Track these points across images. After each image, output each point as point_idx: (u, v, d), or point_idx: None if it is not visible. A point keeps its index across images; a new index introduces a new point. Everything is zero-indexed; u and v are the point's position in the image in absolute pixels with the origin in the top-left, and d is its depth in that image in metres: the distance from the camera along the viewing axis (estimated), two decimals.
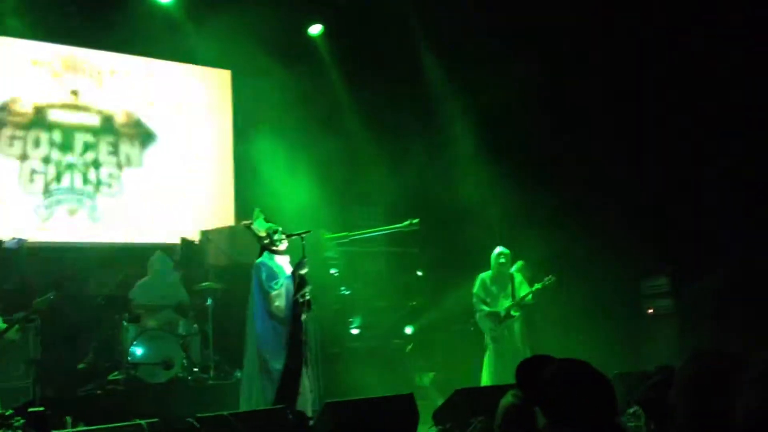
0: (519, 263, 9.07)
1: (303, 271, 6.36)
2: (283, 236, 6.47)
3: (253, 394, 6.25)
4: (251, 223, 6.61)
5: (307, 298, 6.34)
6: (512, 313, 8.04)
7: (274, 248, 6.47)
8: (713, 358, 2.31)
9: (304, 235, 6.52)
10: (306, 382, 6.23)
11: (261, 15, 9.40)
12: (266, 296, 6.28)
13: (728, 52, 7.74)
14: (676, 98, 8.30)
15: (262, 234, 6.51)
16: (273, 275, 6.32)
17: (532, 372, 2.50)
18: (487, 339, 8.10)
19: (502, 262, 8.12)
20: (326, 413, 5.51)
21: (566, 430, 2.27)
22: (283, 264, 6.46)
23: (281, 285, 6.31)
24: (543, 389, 2.37)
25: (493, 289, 8.16)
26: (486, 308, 8.07)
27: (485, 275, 8.20)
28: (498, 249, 8.18)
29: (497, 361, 7.92)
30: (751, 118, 7.73)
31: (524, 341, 8.08)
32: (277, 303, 6.28)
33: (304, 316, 6.31)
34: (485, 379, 7.96)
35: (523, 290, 8.12)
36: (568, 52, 9.00)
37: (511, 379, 7.15)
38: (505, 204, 9.15)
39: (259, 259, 6.47)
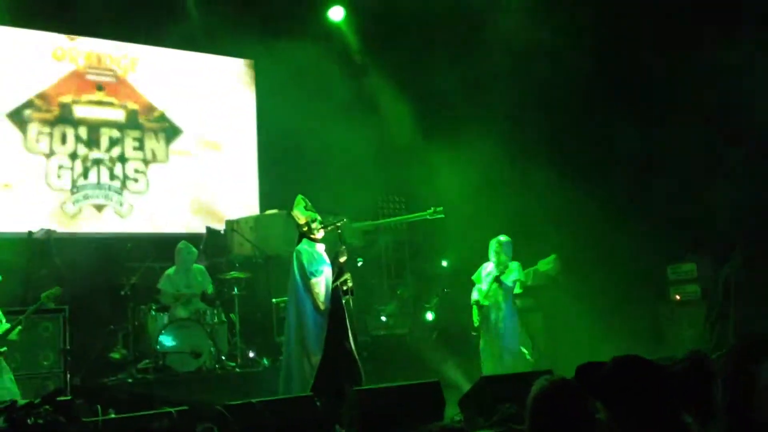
0: (552, 256, 9.01)
1: (342, 260, 6.42)
2: (321, 225, 6.52)
3: (292, 381, 6.32)
4: (292, 210, 6.68)
5: (350, 285, 6.43)
6: (481, 302, 7.85)
7: (312, 236, 6.52)
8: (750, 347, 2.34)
9: (339, 225, 6.58)
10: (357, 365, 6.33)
11: (281, 2, 9.41)
12: (307, 282, 6.34)
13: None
14: (702, 82, 8.19)
15: (302, 221, 6.55)
16: (314, 261, 6.39)
17: (592, 367, 2.51)
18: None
19: (495, 251, 7.94)
20: (354, 400, 5.54)
21: (631, 421, 2.29)
22: (321, 252, 6.52)
23: (321, 273, 6.37)
24: (604, 383, 2.38)
25: (485, 275, 8.00)
26: (473, 297, 8.01)
27: (486, 263, 8.09)
28: (496, 237, 8.05)
29: (484, 350, 7.86)
30: None
31: (510, 333, 7.83)
32: (319, 289, 6.34)
33: (348, 303, 6.40)
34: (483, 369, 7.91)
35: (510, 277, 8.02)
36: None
37: (497, 372, 7.17)
38: (531, 193, 9.09)
39: (299, 246, 6.52)
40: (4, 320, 6.57)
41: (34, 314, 6.78)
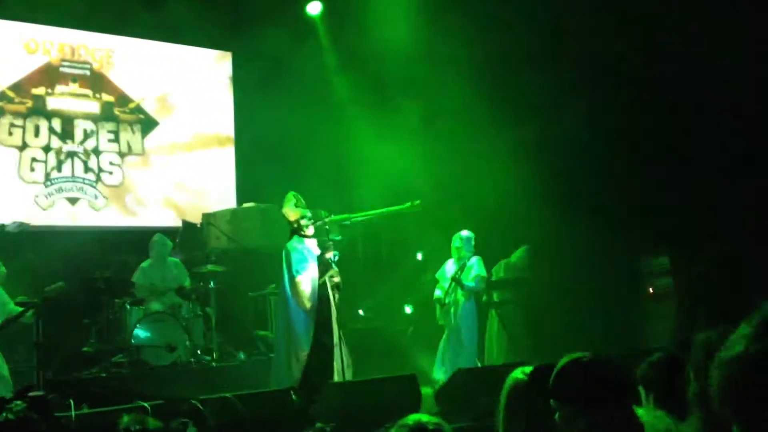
0: (522, 248, 9.04)
1: (328, 255, 6.42)
2: (311, 221, 6.52)
3: (282, 376, 6.34)
4: (282, 207, 6.69)
5: (336, 280, 6.45)
6: (445, 300, 7.87)
7: (302, 233, 6.52)
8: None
9: (327, 221, 6.59)
10: (342, 360, 6.31)
11: None
12: (292, 281, 6.37)
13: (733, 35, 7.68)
14: (676, 78, 8.25)
15: (292, 218, 6.57)
16: (301, 259, 6.40)
17: (547, 371, 2.52)
18: None
19: (456, 246, 7.99)
20: (330, 394, 5.54)
21: (582, 419, 2.30)
22: (312, 248, 6.52)
23: (306, 269, 6.38)
24: (557, 380, 2.39)
25: (447, 272, 8.04)
26: (435, 294, 8.04)
27: (449, 260, 8.12)
28: (458, 233, 8.06)
29: (441, 347, 7.88)
30: (752, 97, 7.68)
31: (467, 332, 7.86)
32: (302, 287, 6.36)
33: (334, 298, 6.39)
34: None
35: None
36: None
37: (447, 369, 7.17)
38: (504, 184, 9.11)
39: (289, 243, 6.56)
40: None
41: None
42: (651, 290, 9.02)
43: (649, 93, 8.59)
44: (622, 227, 8.65)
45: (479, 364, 7.87)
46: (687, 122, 8.15)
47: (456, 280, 7.81)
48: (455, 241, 7.98)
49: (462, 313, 7.87)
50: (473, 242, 8.01)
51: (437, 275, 8.13)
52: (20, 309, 6.57)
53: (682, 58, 8.09)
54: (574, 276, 8.66)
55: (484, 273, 7.99)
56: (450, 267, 8.03)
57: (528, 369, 2.86)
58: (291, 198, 6.62)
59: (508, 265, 9.03)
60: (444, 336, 7.98)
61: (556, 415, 2.37)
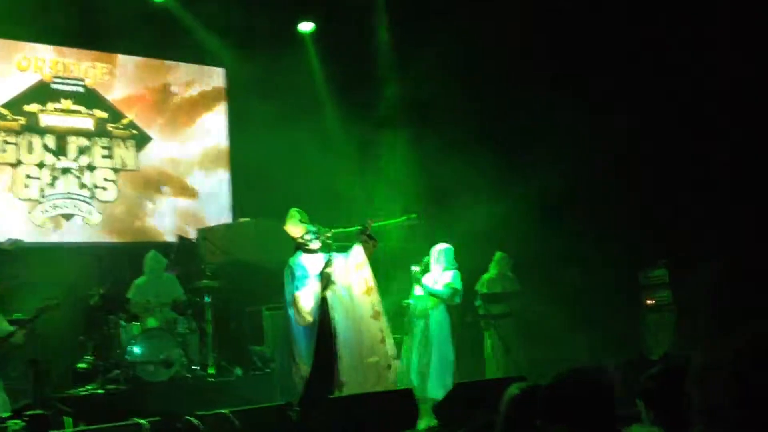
0: (498, 254, 9.04)
1: (329, 269, 6.40)
2: (316, 236, 6.52)
3: (284, 392, 6.35)
4: (285, 224, 6.68)
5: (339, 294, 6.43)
6: (411, 308, 7.79)
7: (308, 248, 6.52)
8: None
9: (330, 235, 6.57)
10: (346, 374, 6.28)
11: (253, 12, 9.38)
12: (292, 296, 6.38)
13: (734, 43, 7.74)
14: (677, 85, 8.30)
15: (296, 234, 6.57)
16: (302, 275, 6.40)
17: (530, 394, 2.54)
18: None
19: (436, 258, 7.87)
20: (327, 408, 5.52)
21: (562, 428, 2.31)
22: (316, 263, 6.50)
23: (307, 284, 6.37)
24: (543, 401, 2.41)
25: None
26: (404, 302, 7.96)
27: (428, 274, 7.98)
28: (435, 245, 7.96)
29: (405, 356, 7.74)
30: (755, 107, 7.74)
31: (442, 342, 7.73)
32: (302, 302, 6.34)
33: (334, 314, 6.36)
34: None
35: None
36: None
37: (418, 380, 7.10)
38: (499, 195, 9.14)
39: (291, 259, 6.55)
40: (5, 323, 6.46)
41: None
42: (649, 302, 9.04)
43: (648, 102, 8.63)
44: (620, 240, 8.68)
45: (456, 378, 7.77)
46: (689, 131, 8.19)
47: (415, 278, 7.70)
48: (431, 255, 7.90)
49: (432, 324, 7.73)
50: (452, 255, 7.89)
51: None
52: (12, 328, 6.52)
53: (680, 67, 8.14)
54: (572, 289, 8.67)
55: (458, 286, 7.81)
56: (428, 277, 7.89)
57: (525, 384, 2.86)
58: (294, 214, 6.62)
59: (495, 277, 9.00)
60: (410, 344, 7.80)
61: None
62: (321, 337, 6.35)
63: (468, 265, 8.72)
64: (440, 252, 7.86)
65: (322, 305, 6.40)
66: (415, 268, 7.78)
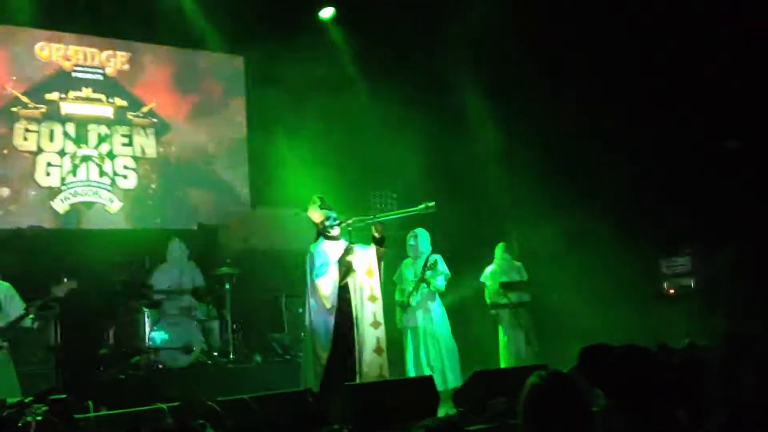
0: (501, 245, 8.98)
1: (349, 257, 6.39)
2: (336, 222, 6.52)
3: (309, 377, 6.38)
4: (306, 210, 6.69)
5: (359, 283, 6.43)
6: (410, 301, 7.72)
7: (327, 234, 6.54)
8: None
9: (350, 222, 6.55)
10: (365, 362, 6.30)
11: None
12: (312, 284, 6.39)
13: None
14: (696, 71, 8.19)
15: (317, 220, 6.58)
16: (322, 262, 6.40)
17: (596, 354, 2.50)
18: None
19: (411, 245, 7.85)
20: (347, 395, 5.52)
21: (625, 414, 2.29)
22: (337, 250, 6.50)
23: (327, 272, 6.36)
24: (608, 372, 2.37)
25: (407, 273, 7.89)
26: (397, 297, 7.87)
27: (406, 261, 7.95)
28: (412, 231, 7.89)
29: (416, 349, 7.71)
30: None
31: (444, 334, 7.73)
32: (322, 290, 6.35)
33: (356, 302, 6.36)
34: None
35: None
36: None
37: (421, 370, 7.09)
38: (520, 183, 9.09)
39: (312, 245, 6.56)
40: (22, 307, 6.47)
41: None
42: (671, 290, 8.96)
43: (671, 89, 8.53)
44: (640, 226, 8.60)
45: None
46: (711, 118, 8.09)
47: (425, 280, 7.67)
48: (410, 240, 7.85)
49: (434, 316, 7.73)
50: (429, 239, 7.86)
51: (395, 278, 7.92)
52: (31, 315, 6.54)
53: (709, 55, 8.03)
54: (592, 277, 8.60)
55: (448, 272, 7.80)
56: (405, 268, 7.88)
57: (546, 372, 2.83)
58: (316, 200, 6.62)
59: (497, 270, 8.91)
60: (410, 339, 7.75)
61: (599, 407, 2.35)
62: (339, 324, 6.35)
63: (472, 253, 8.72)
64: (419, 236, 7.81)
65: (341, 293, 6.39)
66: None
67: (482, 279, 8.86)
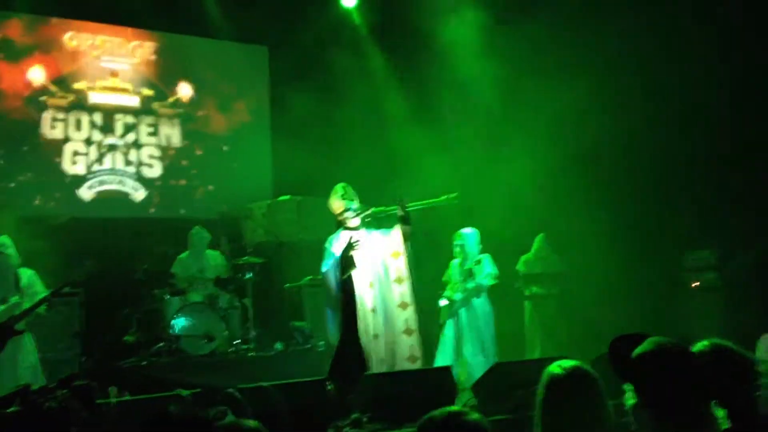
0: (540, 235, 8.94)
1: (352, 252, 6.34)
2: (356, 213, 6.47)
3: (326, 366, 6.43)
4: (328, 200, 6.64)
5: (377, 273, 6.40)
6: (452, 298, 7.60)
7: (346, 224, 6.50)
8: None
9: (369, 213, 6.50)
10: (377, 352, 6.27)
11: None
12: (323, 274, 6.41)
13: None
14: (726, 69, 8.06)
15: (337, 210, 6.52)
16: (332, 255, 6.38)
17: (627, 347, 2.45)
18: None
19: (459, 244, 7.69)
20: (365, 385, 5.54)
21: (654, 411, 2.26)
22: (357, 239, 6.39)
23: (330, 265, 6.35)
24: (638, 367, 2.34)
25: (454, 275, 7.77)
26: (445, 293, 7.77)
27: (453, 262, 7.83)
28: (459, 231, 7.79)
29: (446, 343, 7.58)
30: None
31: (486, 331, 7.59)
32: (328, 282, 6.37)
33: (360, 294, 6.35)
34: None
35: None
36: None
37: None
38: (544, 178, 9.01)
39: (331, 236, 6.50)
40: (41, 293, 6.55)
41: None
42: (695, 284, 8.84)
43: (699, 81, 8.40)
44: (665, 221, 8.50)
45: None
46: (734, 115, 7.97)
47: (470, 272, 7.55)
48: (457, 239, 7.71)
49: (480, 313, 7.60)
50: (479, 239, 7.73)
51: (444, 279, 7.85)
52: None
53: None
54: (616, 270, 8.51)
55: (496, 271, 7.69)
56: (456, 269, 7.75)
57: (565, 363, 2.80)
58: (338, 189, 6.49)
59: (532, 258, 8.89)
60: (450, 332, 7.64)
61: (629, 403, 2.32)
62: (346, 316, 6.33)
63: (512, 245, 8.68)
64: (466, 237, 7.68)
65: (345, 286, 6.35)
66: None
67: (517, 267, 8.85)
